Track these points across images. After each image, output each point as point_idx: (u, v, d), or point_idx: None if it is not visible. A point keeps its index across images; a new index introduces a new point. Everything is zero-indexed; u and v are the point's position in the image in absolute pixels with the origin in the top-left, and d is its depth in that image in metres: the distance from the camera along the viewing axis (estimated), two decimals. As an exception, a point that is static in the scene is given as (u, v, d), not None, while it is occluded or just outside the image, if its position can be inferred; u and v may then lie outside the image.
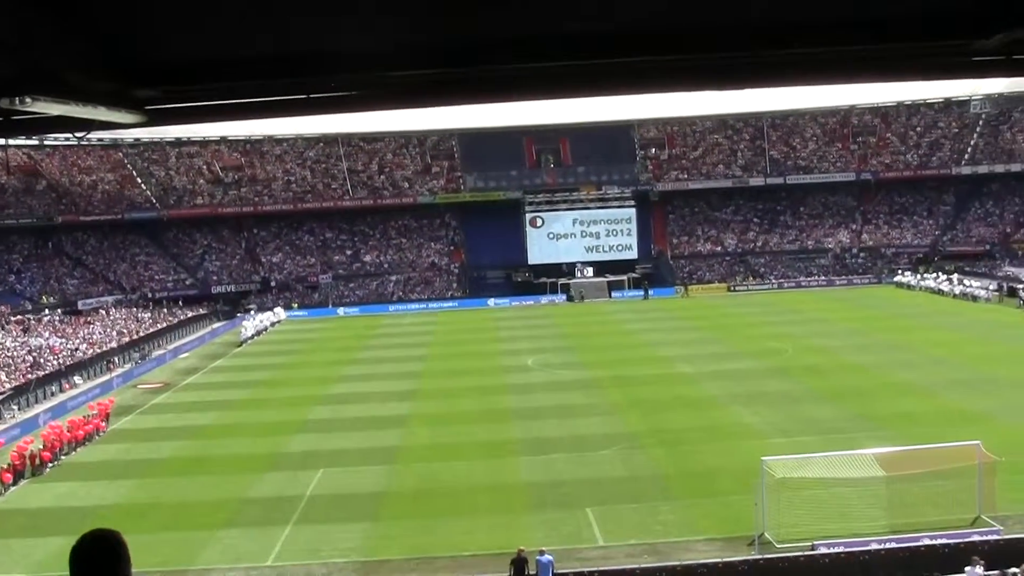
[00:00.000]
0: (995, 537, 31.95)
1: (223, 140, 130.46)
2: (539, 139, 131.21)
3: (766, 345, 73.69)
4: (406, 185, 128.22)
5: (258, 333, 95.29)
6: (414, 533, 36.50)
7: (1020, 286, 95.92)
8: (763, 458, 35.27)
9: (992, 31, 5.22)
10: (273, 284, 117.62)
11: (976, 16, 5.27)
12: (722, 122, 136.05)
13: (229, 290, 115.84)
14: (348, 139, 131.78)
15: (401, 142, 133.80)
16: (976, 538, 31.85)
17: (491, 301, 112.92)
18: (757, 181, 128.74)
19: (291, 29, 5.61)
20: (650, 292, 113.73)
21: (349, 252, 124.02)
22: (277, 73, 5.88)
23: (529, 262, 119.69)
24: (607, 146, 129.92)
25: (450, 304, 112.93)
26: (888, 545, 32.06)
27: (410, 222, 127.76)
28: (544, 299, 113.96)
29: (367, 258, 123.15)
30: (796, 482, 34.64)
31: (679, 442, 47.11)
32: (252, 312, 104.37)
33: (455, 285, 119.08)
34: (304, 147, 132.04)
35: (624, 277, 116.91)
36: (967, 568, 28.28)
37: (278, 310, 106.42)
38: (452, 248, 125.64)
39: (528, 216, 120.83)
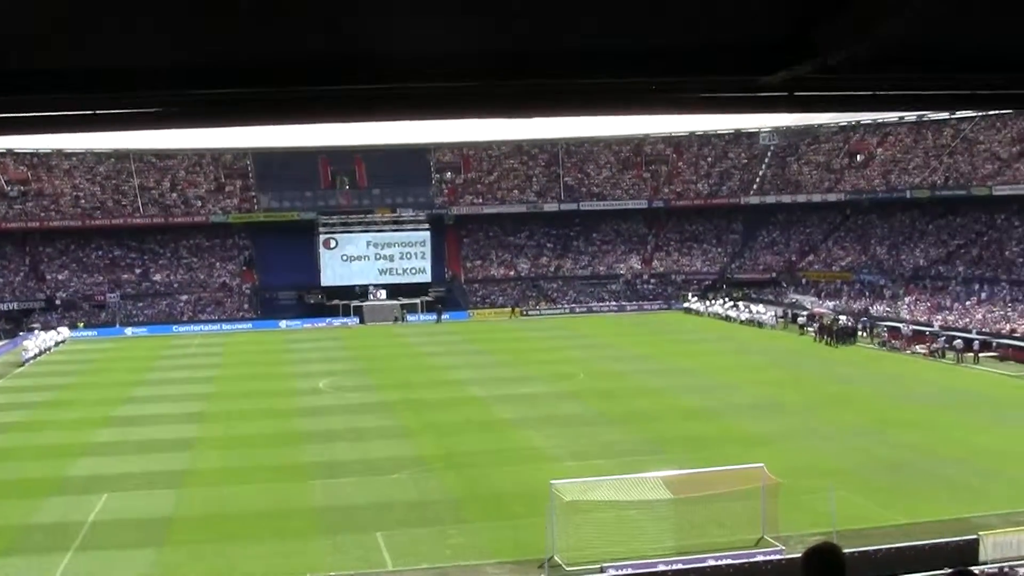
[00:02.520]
0: (777, 557, 32.77)
1: (9, 152, 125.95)
2: (335, 160, 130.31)
3: (558, 369, 74.37)
4: (199, 203, 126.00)
5: (41, 353, 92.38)
6: (203, 559, 35.70)
7: (804, 313, 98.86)
8: (552, 481, 35.50)
9: (775, 68, 5.33)
10: (58, 302, 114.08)
11: (760, 54, 5.37)
12: (518, 147, 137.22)
13: (11, 308, 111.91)
14: (140, 155, 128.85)
15: (195, 160, 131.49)
16: (760, 558, 32.62)
17: (283, 323, 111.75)
18: (551, 207, 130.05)
19: (86, 43, 5.41)
20: (443, 315, 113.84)
21: (138, 270, 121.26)
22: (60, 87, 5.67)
23: (322, 284, 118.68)
24: (403, 169, 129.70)
25: (241, 325, 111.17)
26: (676, 567, 32.56)
27: (202, 241, 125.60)
28: (337, 321, 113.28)
29: (157, 277, 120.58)
30: (586, 505, 34.96)
31: (470, 465, 47.14)
32: (35, 331, 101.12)
33: (247, 306, 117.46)
34: (94, 162, 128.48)
35: (417, 300, 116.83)
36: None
37: (62, 329, 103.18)
38: (244, 268, 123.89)
39: (322, 237, 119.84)
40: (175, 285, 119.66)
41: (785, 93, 5.71)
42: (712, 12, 5.21)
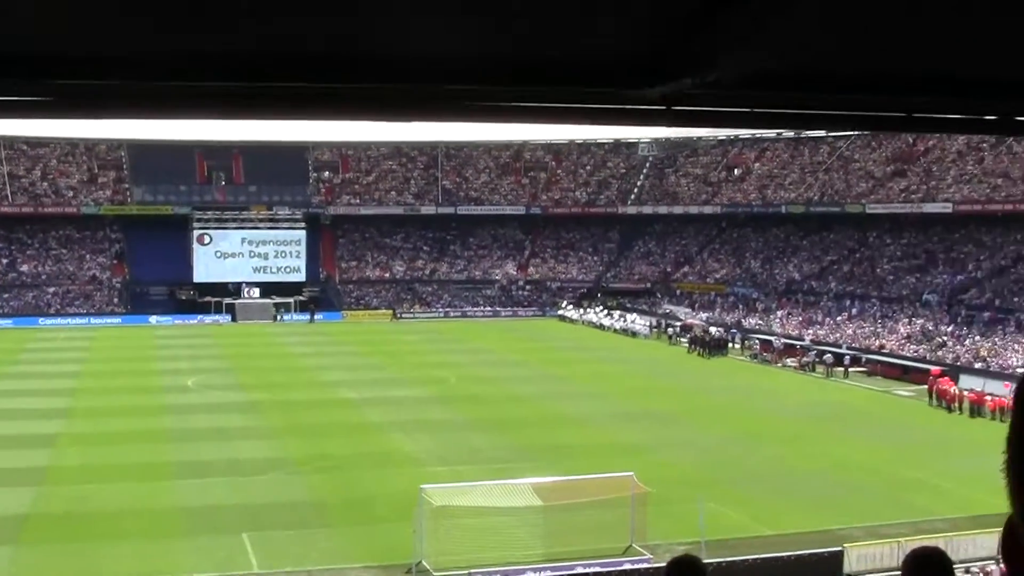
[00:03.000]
0: (645, 565, 32.92)
1: None
2: (211, 155, 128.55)
3: (430, 373, 74.16)
4: (70, 194, 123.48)
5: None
6: (60, 558, 34.92)
7: (677, 323, 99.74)
8: (422, 486, 35.37)
9: (653, 83, 5.22)
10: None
11: (637, 68, 5.26)
12: (397, 149, 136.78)
13: None
14: (11, 142, 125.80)
15: (67, 149, 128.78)
16: (628, 566, 32.76)
17: (153, 318, 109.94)
18: (429, 209, 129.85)
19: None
20: (316, 316, 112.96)
21: (5, 261, 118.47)
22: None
23: (195, 280, 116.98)
24: (281, 166, 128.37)
25: (110, 320, 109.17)
26: (544, 574, 32.58)
27: (72, 232, 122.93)
28: (208, 318, 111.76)
29: (24, 268, 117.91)
30: (455, 510, 34.83)
31: (339, 468, 46.77)
32: None
33: (116, 300, 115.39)
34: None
35: (291, 299, 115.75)
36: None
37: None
38: (115, 262, 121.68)
39: (196, 233, 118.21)
40: (43, 277, 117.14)
41: (663, 108, 5.61)
42: (588, 24, 5.09)
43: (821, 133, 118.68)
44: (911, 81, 5.77)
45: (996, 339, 77.63)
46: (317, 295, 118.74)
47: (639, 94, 5.46)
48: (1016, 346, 75.07)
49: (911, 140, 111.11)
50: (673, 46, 5.14)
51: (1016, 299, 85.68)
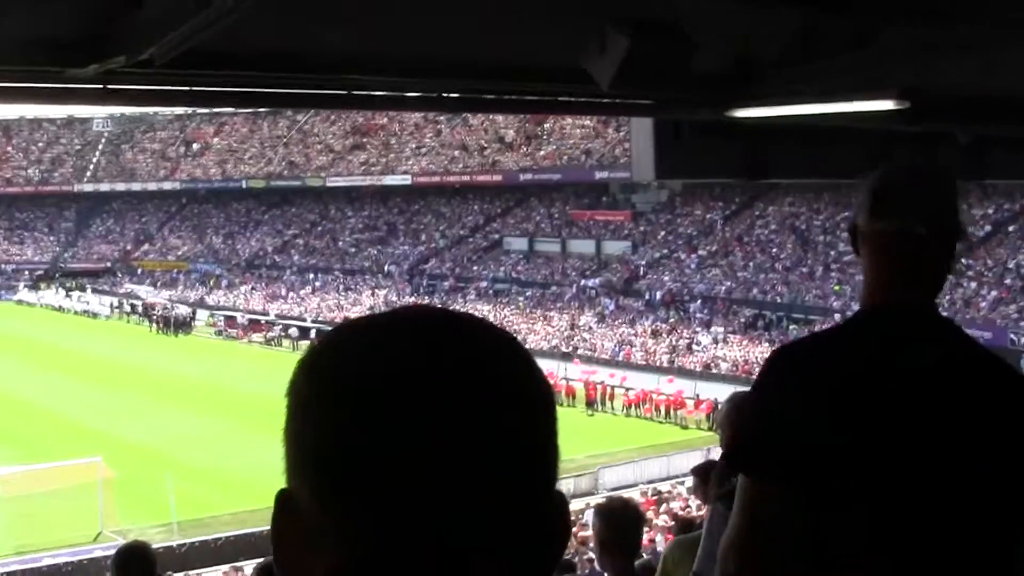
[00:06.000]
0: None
1: None
2: None
3: None
4: None
5: None
6: None
7: (140, 303, 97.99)
8: None
9: (87, 62, 5.31)
10: None
11: (71, 46, 5.34)
12: None
13: None
14: None
15: None
16: (99, 553, 32.13)
17: None
18: None
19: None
20: None
21: None
22: None
23: None
24: None
25: None
26: (11, 568, 31.53)
27: None
28: None
29: None
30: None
31: None
32: None
33: None
34: None
35: None
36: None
37: None
38: None
39: None
40: None
41: (99, 86, 5.70)
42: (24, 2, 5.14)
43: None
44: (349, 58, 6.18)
45: (457, 305, 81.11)
46: None
47: (74, 73, 5.55)
48: (474, 313, 78.70)
49: (370, 114, 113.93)
50: (106, 25, 5.27)
51: (475, 268, 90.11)
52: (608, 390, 58.22)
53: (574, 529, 26.87)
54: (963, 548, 2.60)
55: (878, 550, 2.63)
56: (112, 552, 23.25)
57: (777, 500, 2.70)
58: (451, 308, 1.21)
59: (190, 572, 30.47)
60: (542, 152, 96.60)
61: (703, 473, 7.59)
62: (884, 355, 2.73)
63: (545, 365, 58.96)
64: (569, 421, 45.59)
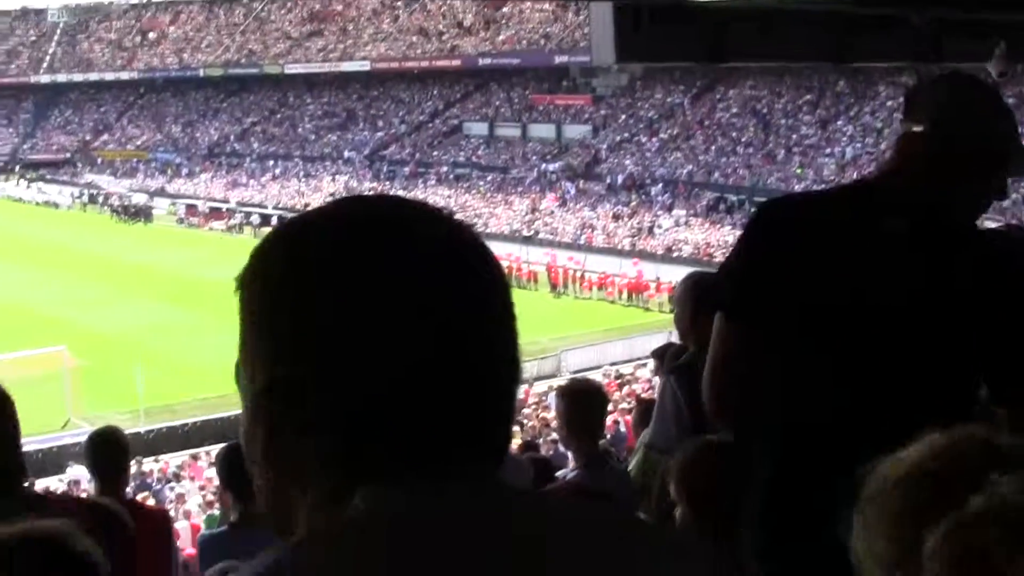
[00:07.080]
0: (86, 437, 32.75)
1: None
2: None
3: None
4: None
5: None
6: None
7: (100, 192, 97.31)
8: None
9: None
10: None
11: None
12: None
13: None
14: None
15: None
16: (68, 440, 32.41)
17: None
18: None
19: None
20: None
21: None
22: None
23: None
24: None
25: None
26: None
27: None
28: None
29: None
30: None
31: None
32: None
33: None
34: None
35: None
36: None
37: None
38: None
39: None
40: None
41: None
42: None
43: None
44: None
45: (418, 191, 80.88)
46: None
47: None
48: (434, 197, 78.75)
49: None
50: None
51: (435, 153, 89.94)
52: (572, 273, 58.60)
53: (538, 411, 27.32)
54: (921, 389, 2.89)
55: (841, 383, 2.96)
56: (81, 440, 23.44)
57: (756, 341, 3.03)
58: (410, 195, 1.27)
59: (160, 456, 30.95)
60: (501, 36, 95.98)
61: (663, 355, 7.78)
62: (865, 221, 3.05)
63: (507, 248, 59.23)
64: (534, 304, 46.15)
